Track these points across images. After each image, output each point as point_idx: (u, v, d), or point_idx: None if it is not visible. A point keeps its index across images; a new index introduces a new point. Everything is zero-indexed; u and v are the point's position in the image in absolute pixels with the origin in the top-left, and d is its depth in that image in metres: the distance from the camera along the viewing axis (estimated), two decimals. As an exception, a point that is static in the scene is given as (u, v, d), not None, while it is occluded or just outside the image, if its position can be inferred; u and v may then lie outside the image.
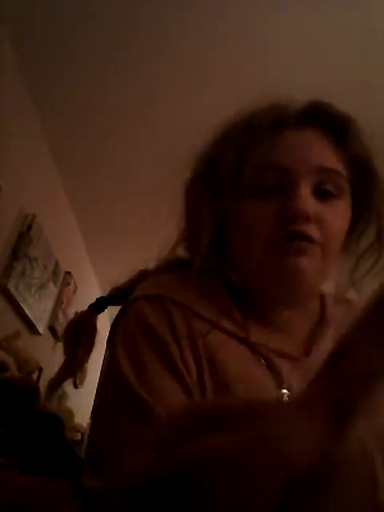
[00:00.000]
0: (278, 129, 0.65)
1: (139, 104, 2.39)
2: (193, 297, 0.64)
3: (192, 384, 0.57)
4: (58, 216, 3.02)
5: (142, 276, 0.73)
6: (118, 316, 0.66)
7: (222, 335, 0.62)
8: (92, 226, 3.39)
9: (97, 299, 0.79)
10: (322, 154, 0.64)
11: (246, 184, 0.64)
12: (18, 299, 2.30)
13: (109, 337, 0.66)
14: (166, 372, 0.57)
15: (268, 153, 0.64)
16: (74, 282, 3.23)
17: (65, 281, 3.06)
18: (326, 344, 0.66)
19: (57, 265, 2.86)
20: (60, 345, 3.06)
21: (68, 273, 3.11)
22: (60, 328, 2.98)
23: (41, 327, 2.62)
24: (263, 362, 0.62)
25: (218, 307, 0.64)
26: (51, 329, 2.87)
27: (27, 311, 2.40)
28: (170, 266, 0.72)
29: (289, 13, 1.86)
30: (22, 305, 2.34)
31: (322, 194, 0.63)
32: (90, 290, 3.78)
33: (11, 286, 2.21)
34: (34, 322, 2.51)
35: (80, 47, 2.14)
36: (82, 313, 0.80)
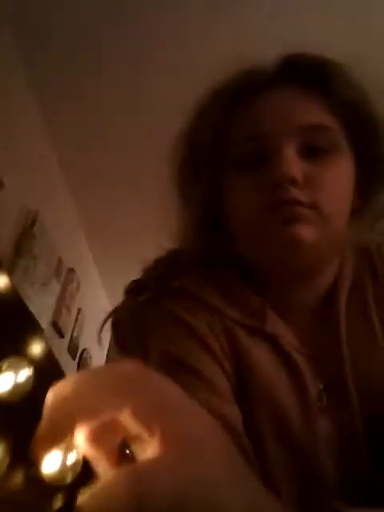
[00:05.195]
0: (251, 95, 0.60)
1: (142, 102, 2.38)
2: (213, 292, 0.63)
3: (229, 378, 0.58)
4: (61, 213, 3.02)
5: (159, 265, 0.70)
6: (138, 311, 0.64)
7: (245, 331, 0.61)
8: (95, 223, 3.39)
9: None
10: (303, 110, 0.58)
11: (229, 159, 0.60)
12: (22, 295, 2.30)
13: (131, 332, 0.63)
14: (211, 361, 0.57)
15: (244, 123, 0.60)
16: (77, 279, 3.24)
17: (68, 278, 3.06)
18: (342, 317, 0.63)
19: (60, 262, 2.86)
20: (62, 341, 3.02)
21: (71, 269, 3.11)
22: (63, 324, 2.98)
23: (44, 324, 2.62)
24: (283, 359, 0.61)
25: (236, 300, 0.63)
26: (54, 325, 2.87)
27: (30, 308, 2.41)
28: (183, 254, 0.70)
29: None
30: (25, 301, 2.34)
31: (311, 152, 0.57)
32: (93, 286, 3.78)
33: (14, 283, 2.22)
34: (37, 319, 2.52)
35: (83, 46, 2.14)
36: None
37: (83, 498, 0.25)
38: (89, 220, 3.35)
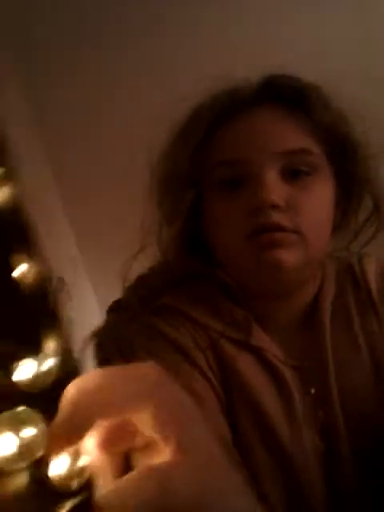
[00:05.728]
0: (232, 115, 0.60)
1: (137, 114, 2.39)
2: (197, 307, 0.63)
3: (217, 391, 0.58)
4: (52, 221, 3.01)
5: (141, 284, 0.69)
6: (121, 329, 0.63)
7: (231, 344, 0.62)
8: (86, 232, 3.37)
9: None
10: (282, 134, 0.59)
11: (209, 180, 0.61)
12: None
13: (114, 352, 0.62)
14: (199, 377, 0.58)
15: (225, 145, 0.60)
16: (68, 288, 3.22)
17: (58, 286, 3.04)
18: (325, 329, 0.64)
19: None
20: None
21: (61, 278, 3.09)
22: (53, 334, 2.96)
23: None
24: (269, 371, 0.61)
25: (220, 314, 0.63)
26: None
27: (20, 317, 2.39)
28: (165, 272, 0.70)
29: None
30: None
31: (293, 175, 0.58)
32: (83, 295, 3.76)
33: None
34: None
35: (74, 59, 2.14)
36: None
37: (104, 492, 0.26)
38: (80, 229, 3.33)
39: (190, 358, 0.59)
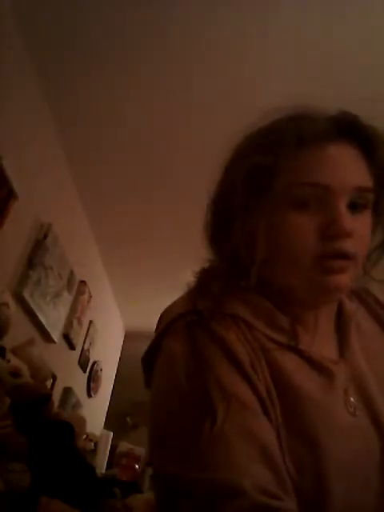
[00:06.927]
0: (315, 141, 0.66)
1: (155, 116, 2.41)
2: (252, 313, 0.68)
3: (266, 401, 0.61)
4: (74, 226, 3.05)
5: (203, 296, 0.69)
6: (190, 334, 0.64)
7: (275, 345, 0.66)
8: (107, 237, 3.41)
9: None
10: (359, 172, 0.66)
11: (284, 196, 0.65)
12: (33, 307, 2.32)
13: (187, 355, 0.63)
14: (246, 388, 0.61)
15: (310, 167, 0.65)
16: (89, 291, 3.25)
17: (79, 290, 3.08)
18: (353, 339, 0.73)
19: (72, 274, 2.89)
20: (73, 353, 3.03)
21: (83, 282, 3.13)
22: (74, 336, 3.00)
23: (55, 335, 2.64)
24: (316, 369, 0.66)
25: (265, 317, 0.68)
26: (65, 337, 2.89)
27: (42, 319, 2.43)
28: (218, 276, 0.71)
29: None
30: (36, 313, 2.36)
31: (353, 207, 0.65)
32: (104, 299, 3.80)
33: (27, 294, 2.24)
34: (49, 330, 2.53)
35: (96, 59, 2.18)
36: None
37: None
38: (101, 233, 3.38)
39: (235, 361, 0.61)
